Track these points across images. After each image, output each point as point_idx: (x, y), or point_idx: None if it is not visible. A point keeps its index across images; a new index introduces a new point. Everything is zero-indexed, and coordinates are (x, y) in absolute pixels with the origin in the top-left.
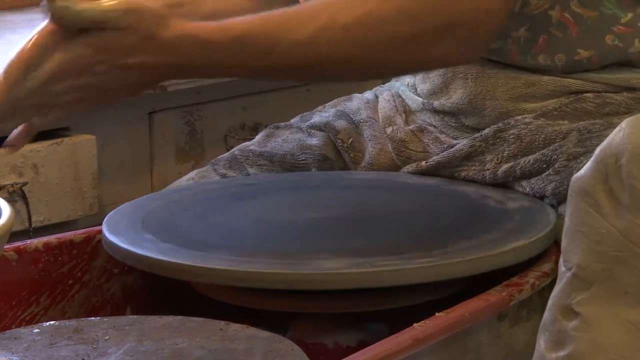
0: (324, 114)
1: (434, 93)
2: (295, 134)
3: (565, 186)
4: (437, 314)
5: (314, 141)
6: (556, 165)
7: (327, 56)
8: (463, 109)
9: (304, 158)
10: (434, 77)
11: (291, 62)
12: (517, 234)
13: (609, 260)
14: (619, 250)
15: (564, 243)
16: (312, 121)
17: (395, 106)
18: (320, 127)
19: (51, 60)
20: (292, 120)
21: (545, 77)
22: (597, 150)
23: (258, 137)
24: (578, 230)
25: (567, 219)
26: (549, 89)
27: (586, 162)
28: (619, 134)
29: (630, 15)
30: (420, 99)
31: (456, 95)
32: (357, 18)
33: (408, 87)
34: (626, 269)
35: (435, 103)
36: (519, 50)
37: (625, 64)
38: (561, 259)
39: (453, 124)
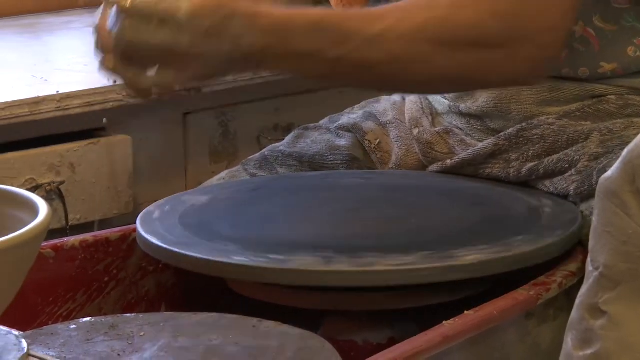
0: (351, 116)
1: (460, 96)
2: (324, 135)
3: (586, 186)
4: (466, 312)
5: (342, 142)
6: (579, 166)
7: (398, 54)
8: (489, 112)
9: (332, 159)
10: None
11: (363, 56)
12: (544, 233)
13: (636, 261)
14: None
15: (591, 243)
16: (340, 122)
17: (422, 108)
18: (348, 128)
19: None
20: (321, 122)
21: (569, 83)
22: (625, 152)
23: (288, 138)
24: (605, 231)
25: (594, 219)
26: (572, 93)
27: (607, 162)
28: None
29: None
30: (446, 101)
31: (482, 99)
32: (429, 19)
33: None
34: None
35: (462, 106)
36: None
37: None
38: (588, 259)
39: (479, 127)
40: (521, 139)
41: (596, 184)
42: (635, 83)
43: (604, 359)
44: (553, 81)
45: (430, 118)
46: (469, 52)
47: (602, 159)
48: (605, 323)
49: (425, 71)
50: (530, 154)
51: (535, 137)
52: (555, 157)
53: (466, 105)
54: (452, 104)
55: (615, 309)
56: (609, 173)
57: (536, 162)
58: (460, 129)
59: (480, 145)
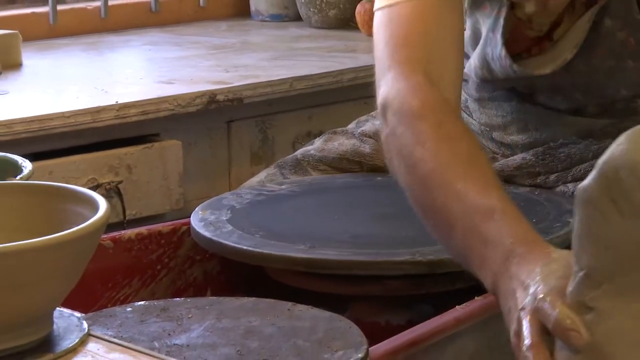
0: (376, 122)
1: (492, 127)
2: (350, 139)
3: None
4: (476, 297)
5: (366, 149)
6: None
7: None
8: (522, 146)
9: (357, 163)
10: (492, 114)
11: None
12: (547, 227)
13: (618, 263)
14: (626, 254)
15: (574, 247)
16: (363, 128)
17: None
18: (370, 135)
19: None
20: (349, 126)
21: (600, 122)
22: (600, 162)
23: (318, 142)
24: (586, 237)
25: (575, 225)
26: (605, 130)
27: None
28: (618, 148)
29: None
30: (475, 122)
31: (516, 136)
32: None
33: (462, 107)
34: (635, 268)
35: (494, 134)
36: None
37: None
38: (573, 259)
39: (509, 152)
40: (548, 156)
41: None
42: None
43: (596, 351)
44: (586, 120)
45: None
46: None
47: None
48: (593, 317)
49: None
50: (559, 167)
51: (562, 154)
52: (583, 166)
53: (499, 134)
54: (483, 128)
55: (602, 304)
56: (586, 182)
57: (564, 172)
58: (488, 147)
59: (508, 158)
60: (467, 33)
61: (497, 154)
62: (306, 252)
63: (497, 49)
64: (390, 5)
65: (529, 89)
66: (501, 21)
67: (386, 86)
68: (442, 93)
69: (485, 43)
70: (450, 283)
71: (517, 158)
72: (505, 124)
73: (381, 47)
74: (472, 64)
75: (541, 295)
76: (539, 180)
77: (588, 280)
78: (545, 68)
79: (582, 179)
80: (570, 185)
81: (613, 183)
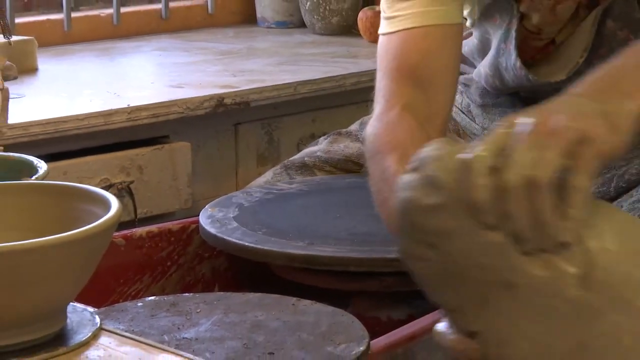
0: None
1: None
2: (355, 142)
3: (605, 187)
4: None
5: None
6: (601, 175)
7: None
8: None
9: (362, 166)
10: (496, 121)
11: None
12: None
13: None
14: None
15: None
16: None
17: (449, 127)
18: None
19: None
20: (352, 127)
21: None
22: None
23: (324, 143)
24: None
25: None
26: None
27: (626, 169)
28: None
29: None
30: (478, 126)
31: None
32: None
33: (462, 111)
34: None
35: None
36: None
37: None
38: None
39: None
40: None
41: (614, 188)
42: None
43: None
44: None
45: (454, 135)
46: None
47: (623, 167)
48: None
49: None
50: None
51: None
52: None
53: None
54: (487, 132)
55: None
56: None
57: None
58: None
59: None
60: (475, 42)
61: None
62: (304, 248)
63: (511, 60)
64: (389, 33)
65: (532, 94)
66: (513, 33)
67: (370, 121)
68: (424, 125)
69: (497, 54)
70: None
71: None
72: None
73: (378, 76)
74: (482, 73)
75: None
76: None
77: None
78: (560, 74)
79: None
80: None
81: None
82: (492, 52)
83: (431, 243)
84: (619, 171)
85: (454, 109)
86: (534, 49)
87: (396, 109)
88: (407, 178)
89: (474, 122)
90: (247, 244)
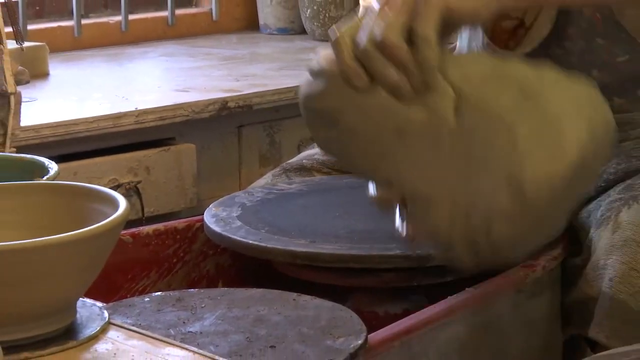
0: None
1: None
2: None
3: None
4: (467, 288)
5: None
6: None
7: None
8: None
9: None
10: None
11: None
12: None
13: None
14: None
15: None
16: None
17: None
18: None
19: None
20: None
21: None
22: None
23: None
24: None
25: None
26: None
27: (605, 175)
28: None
29: None
30: None
31: None
32: None
33: None
34: None
35: None
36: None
37: None
38: None
39: None
40: None
41: (594, 188)
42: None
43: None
44: None
45: None
46: None
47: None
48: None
49: None
50: None
51: None
52: None
53: None
54: None
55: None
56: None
57: None
58: None
59: None
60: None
61: None
62: (310, 246)
63: (479, 41)
64: None
65: None
66: None
67: None
68: None
69: (469, 41)
70: (439, 276)
71: None
72: None
73: None
74: None
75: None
76: None
77: None
78: (525, 47)
79: None
80: None
81: None
82: (464, 41)
83: (330, 122)
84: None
85: None
86: (505, 32)
87: None
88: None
89: None
90: (250, 241)
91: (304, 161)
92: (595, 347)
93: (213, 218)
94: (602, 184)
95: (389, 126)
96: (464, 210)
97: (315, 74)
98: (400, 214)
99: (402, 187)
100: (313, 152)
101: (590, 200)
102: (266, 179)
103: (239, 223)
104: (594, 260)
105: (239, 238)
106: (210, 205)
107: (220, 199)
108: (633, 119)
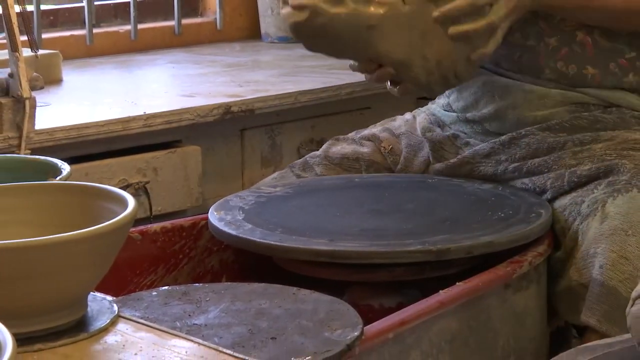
0: (373, 129)
1: (466, 108)
2: (351, 144)
3: (559, 182)
4: (457, 283)
5: (364, 149)
6: (554, 168)
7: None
8: (489, 118)
9: (357, 161)
10: (467, 96)
11: (609, 4)
12: (521, 222)
13: None
14: None
15: None
16: (363, 133)
17: (432, 122)
18: (369, 138)
19: None
20: (349, 135)
21: (554, 90)
22: None
23: (324, 146)
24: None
25: None
26: (557, 100)
27: (577, 167)
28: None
29: (633, 54)
30: (454, 113)
31: (485, 109)
32: None
33: (442, 108)
34: None
35: (468, 115)
36: (546, 54)
37: (617, 89)
38: None
39: (480, 131)
40: (512, 144)
41: (567, 183)
42: (607, 96)
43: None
44: (540, 89)
45: (440, 127)
46: None
47: (574, 169)
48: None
49: None
50: (517, 156)
51: (523, 143)
52: (537, 160)
53: (472, 114)
54: (459, 114)
55: None
56: None
57: (521, 163)
58: (465, 133)
59: (479, 146)
60: None
61: (471, 139)
62: (309, 243)
63: None
64: None
65: (494, 65)
66: None
67: None
68: None
69: None
70: (435, 270)
71: (486, 146)
72: (477, 99)
73: None
74: None
75: None
76: (499, 170)
77: None
78: None
79: (534, 173)
80: (526, 180)
81: None
82: None
83: (319, 34)
84: (572, 169)
85: (436, 108)
86: None
87: None
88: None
89: (451, 109)
90: (252, 238)
91: (307, 159)
92: (584, 335)
93: (217, 216)
94: (576, 179)
95: (362, 24)
96: (434, 63)
97: (297, 6)
98: (390, 82)
99: (382, 60)
100: (316, 152)
101: (563, 194)
102: (274, 176)
103: (242, 221)
104: (584, 249)
105: (242, 236)
106: (215, 204)
107: (224, 198)
108: (603, 118)
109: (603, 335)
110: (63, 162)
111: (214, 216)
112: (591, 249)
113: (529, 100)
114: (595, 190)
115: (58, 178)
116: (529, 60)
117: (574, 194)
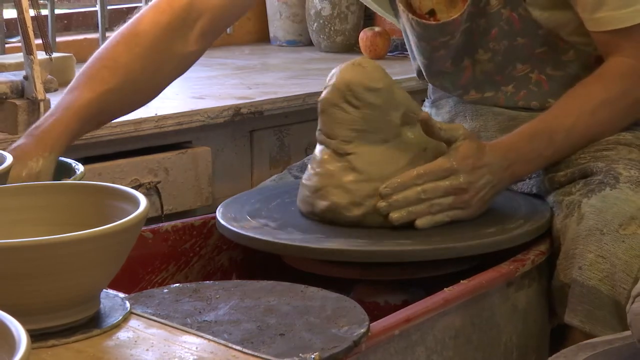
0: None
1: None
2: None
3: (542, 187)
4: (461, 281)
5: None
6: (532, 179)
7: (584, 133)
8: None
9: None
10: (444, 113)
11: (567, 144)
12: (523, 222)
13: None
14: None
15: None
16: None
17: None
18: None
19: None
20: None
21: (523, 113)
22: (333, 82)
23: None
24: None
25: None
26: (525, 121)
27: (555, 169)
28: (342, 73)
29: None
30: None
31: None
32: (597, 103)
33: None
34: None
35: None
36: (505, 99)
37: None
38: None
39: None
40: None
41: (549, 186)
42: None
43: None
44: (510, 111)
45: None
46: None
47: (550, 174)
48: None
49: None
50: None
51: None
52: None
53: None
54: None
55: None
56: (324, 94)
57: None
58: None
59: None
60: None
61: None
62: (316, 242)
63: (409, 26)
64: None
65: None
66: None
67: None
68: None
69: (408, 40)
70: (439, 269)
71: None
72: (452, 117)
73: None
74: (415, 66)
75: None
76: None
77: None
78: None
79: (517, 180)
80: (512, 187)
81: (345, 91)
82: (408, 44)
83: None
84: (549, 175)
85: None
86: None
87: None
88: None
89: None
90: (260, 237)
91: (305, 160)
92: (570, 334)
93: (225, 215)
94: (556, 186)
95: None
96: None
97: None
98: None
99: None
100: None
101: (546, 193)
102: (273, 179)
103: (249, 220)
104: (564, 250)
105: (250, 235)
106: (222, 203)
107: (231, 197)
108: None
109: (588, 334)
110: (77, 163)
111: (221, 215)
112: (570, 250)
113: (500, 122)
114: (573, 190)
115: (72, 178)
116: (490, 102)
117: (555, 192)
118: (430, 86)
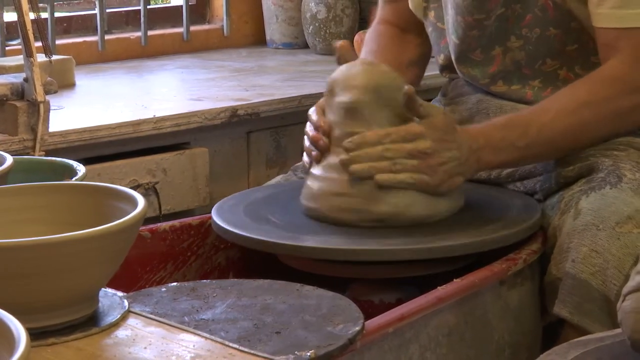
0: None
1: (461, 122)
2: None
3: (547, 184)
4: (455, 280)
5: None
6: (541, 175)
7: (563, 132)
8: None
9: None
10: (462, 110)
11: (541, 138)
12: (515, 221)
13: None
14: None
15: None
16: None
17: None
18: None
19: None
20: None
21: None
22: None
23: None
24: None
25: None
26: None
27: (562, 169)
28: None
29: None
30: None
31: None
32: (580, 104)
33: None
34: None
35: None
36: (533, 94)
37: None
38: None
39: None
40: None
41: (555, 184)
42: None
43: None
44: (528, 107)
45: None
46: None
47: (559, 169)
48: None
49: (588, 139)
50: None
51: None
52: (528, 167)
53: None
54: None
55: None
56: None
57: (513, 169)
58: None
59: None
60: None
61: None
62: (312, 241)
63: (448, 14)
64: None
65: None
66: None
67: None
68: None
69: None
70: (433, 267)
71: None
72: (471, 115)
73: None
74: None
75: None
76: (492, 176)
77: None
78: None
79: (526, 177)
80: (518, 184)
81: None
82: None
83: None
84: (558, 170)
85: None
86: None
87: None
88: None
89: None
90: (256, 237)
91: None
92: (563, 331)
93: (222, 215)
94: (562, 180)
95: None
96: None
97: None
98: None
99: None
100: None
101: (552, 194)
102: (277, 179)
103: (246, 220)
104: (559, 244)
105: (246, 234)
106: (218, 203)
107: (227, 197)
108: None
109: (578, 329)
110: (79, 164)
111: (217, 215)
112: (565, 244)
113: None
114: (575, 187)
115: (74, 179)
116: (516, 98)
117: (561, 192)
118: (449, 82)
